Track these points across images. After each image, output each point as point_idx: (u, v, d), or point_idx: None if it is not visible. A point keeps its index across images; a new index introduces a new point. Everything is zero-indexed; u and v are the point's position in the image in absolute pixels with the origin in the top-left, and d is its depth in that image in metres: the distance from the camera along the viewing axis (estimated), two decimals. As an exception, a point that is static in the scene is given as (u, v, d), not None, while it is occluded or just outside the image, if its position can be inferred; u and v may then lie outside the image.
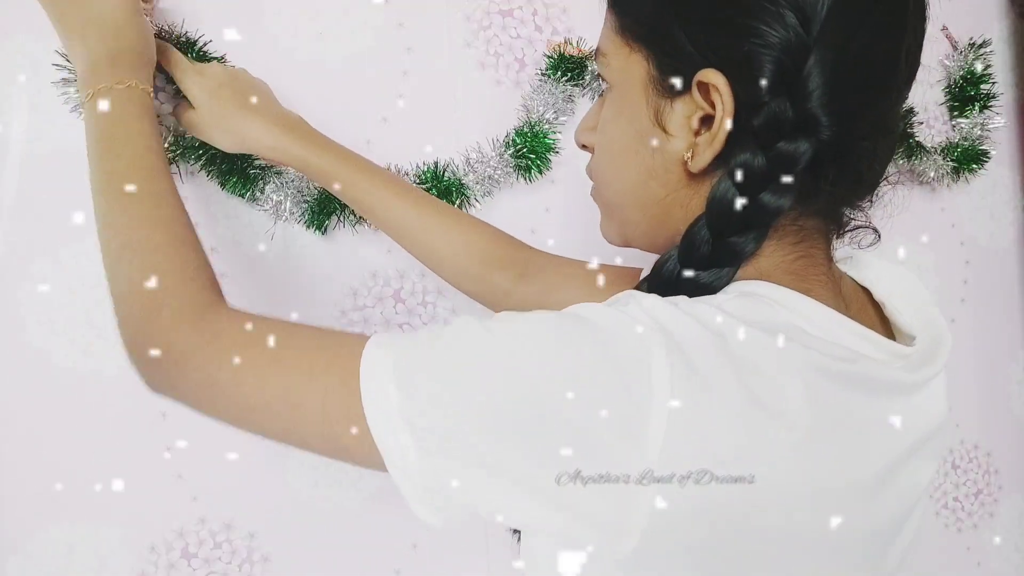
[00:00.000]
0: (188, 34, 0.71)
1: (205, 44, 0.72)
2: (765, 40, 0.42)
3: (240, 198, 0.75)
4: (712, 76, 0.43)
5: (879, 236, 0.51)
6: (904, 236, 1.11)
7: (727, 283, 0.46)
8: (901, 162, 1.05)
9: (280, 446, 0.43)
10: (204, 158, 0.72)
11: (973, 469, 1.17)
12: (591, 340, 0.38)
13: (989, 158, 1.09)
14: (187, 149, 0.72)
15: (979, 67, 1.08)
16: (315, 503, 0.80)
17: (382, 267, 0.82)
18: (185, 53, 0.70)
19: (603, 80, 0.52)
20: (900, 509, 0.46)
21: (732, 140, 0.44)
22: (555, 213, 0.87)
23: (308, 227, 0.76)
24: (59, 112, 0.69)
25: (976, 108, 1.09)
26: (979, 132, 1.09)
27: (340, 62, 0.79)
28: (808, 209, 0.46)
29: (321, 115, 0.78)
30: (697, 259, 0.46)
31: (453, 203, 0.81)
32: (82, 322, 0.72)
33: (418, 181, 0.79)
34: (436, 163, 0.81)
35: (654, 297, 0.41)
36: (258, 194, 0.74)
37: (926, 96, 1.09)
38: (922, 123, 1.07)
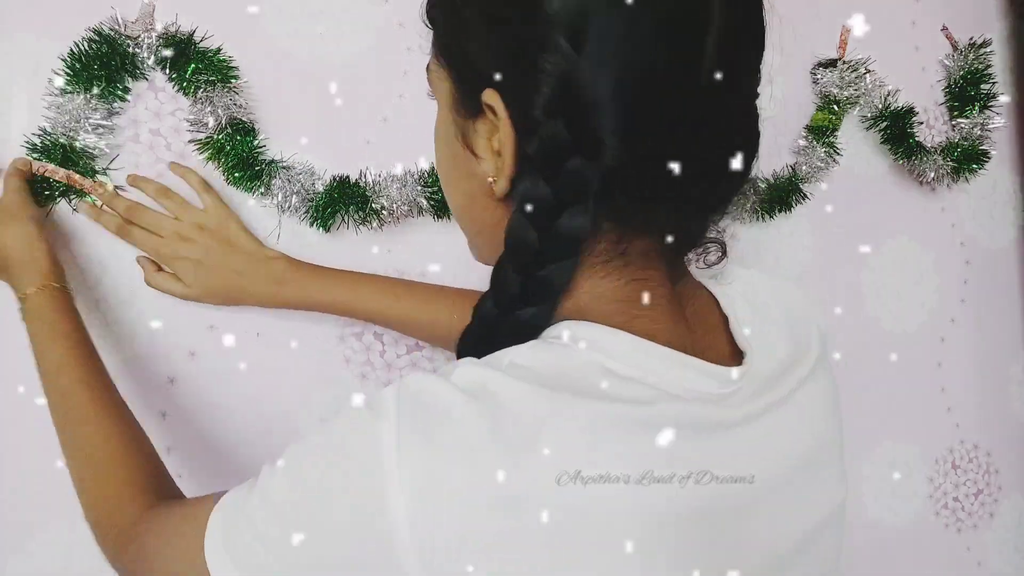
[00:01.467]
0: (183, 32, 0.71)
1: (202, 40, 0.72)
2: (535, 58, 0.38)
3: (243, 195, 0.75)
4: (489, 97, 0.40)
5: (725, 253, 0.48)
6: (905, 236, 1.11)
7: (548, 320, 0.42)
8: (901, 162, 1.05)
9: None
10: (209, 151, 0.72)
11: (973, 469, 1.17)
12: (326, 486, 0.38)
13: (989, 158, 1.09)
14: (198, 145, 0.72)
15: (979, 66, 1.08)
16: (315, 503, 0.80)
17: (381, 267, 0.82)
18: (183, 53, 0.70)
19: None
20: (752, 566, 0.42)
21: (523, 166, 0.40)
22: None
23: (312, 224, 0.76)
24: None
25: (976, 108, 1.09)
26: (979, 132, 1.09)
27: (340, 62, 0.79)
28: (630, 230, 0.42)
29: (321, 115, 0.79)
30: (509, 299, 0.42)
31: None
32: (82, 322, 0.72)
33: (423, 184, 0.79)
34: None
35: (421, 376, 0.39)
36: (263, 189, 0.74)
37: (926, 96, 1.09)
38: (922, 123, 1.07)
